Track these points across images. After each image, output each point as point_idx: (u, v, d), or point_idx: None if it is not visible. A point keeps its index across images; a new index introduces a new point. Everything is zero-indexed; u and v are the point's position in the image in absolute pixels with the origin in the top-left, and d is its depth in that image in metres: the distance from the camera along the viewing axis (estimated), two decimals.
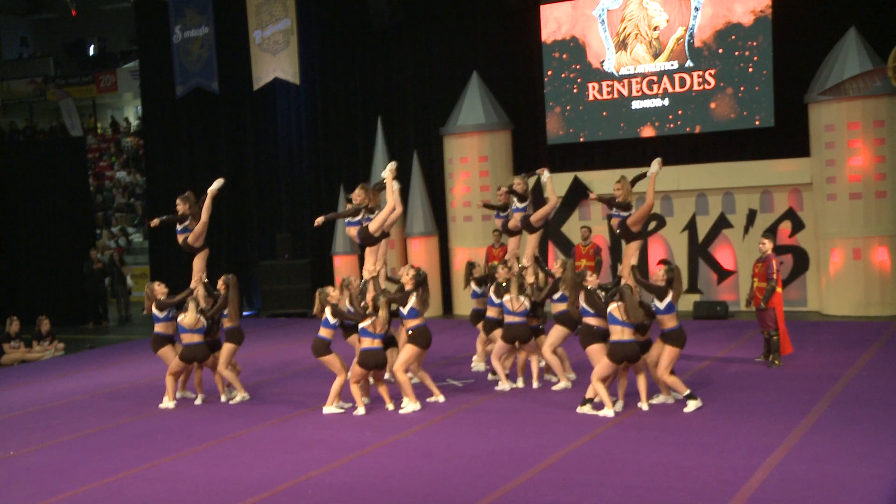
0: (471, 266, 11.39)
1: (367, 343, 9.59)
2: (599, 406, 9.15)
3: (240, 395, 10.81)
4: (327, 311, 9.80)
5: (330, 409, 9.82)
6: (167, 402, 10.66)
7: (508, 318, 10.32)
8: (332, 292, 9.94)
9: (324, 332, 9.79)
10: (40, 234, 20.08)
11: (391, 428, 9.10)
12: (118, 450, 8.95)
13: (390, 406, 9.78)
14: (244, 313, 19.16)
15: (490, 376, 11.03)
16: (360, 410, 9.67)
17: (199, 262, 10.92)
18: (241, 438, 9.11)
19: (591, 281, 9.35)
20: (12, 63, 32.79)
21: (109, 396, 11.58)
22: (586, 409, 9.17)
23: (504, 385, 10.48)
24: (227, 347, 10.67)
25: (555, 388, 10.47)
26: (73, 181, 20.31)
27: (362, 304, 9.98)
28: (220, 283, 10.77)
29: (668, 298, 9.05)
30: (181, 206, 10.93)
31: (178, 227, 10.95)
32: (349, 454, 8.28)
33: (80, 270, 19.17)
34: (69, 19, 31.04)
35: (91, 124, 31.80)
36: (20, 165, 20.26)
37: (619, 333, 8.89)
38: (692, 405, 9.06)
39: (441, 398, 10.01)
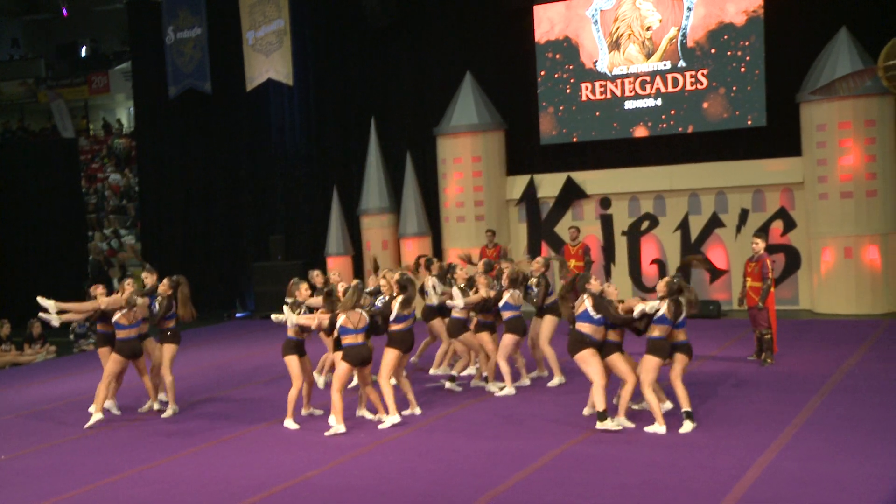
0: (429, 262, 11.37)
1: (350, 339, 9.01)
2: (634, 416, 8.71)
3: (171, 409, 10.29)
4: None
5: (289, 422, 9.32)
6: (97, 415, 9.88)
7: (511, 314, 10.29)
8: (304, 290, 9.52)
9: (290, 331, 9.39)
10: (32, 236, 20.03)
11: (389, 428, 9.11)
12: (116, 450, 8.95)
13: (383, 416, 9.30)
14: (237, 315, 19.17)
15: (447, 384, 10.65)
16: (340, 428, 8.98)
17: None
18: (240, 438, 9.11)
19: (595, 286, 8.72)
20: (3, 64, 32.66)
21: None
22: (608, 425, 8.50)
23: (510, 389, 10.25)
24: (169, 348, 10.24)
25: (550, 384, 10.53)
26: (65, 183, 20.27)
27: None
28: (165, 286, 10.19)
29: (663, 310, 8.49)
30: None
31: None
32: (347, 454, 8.30)
33: (75, 271, 19.13)
34: (61, 20, 30.96)
35: (83, 126, 31.70)
36: (12, 167, 20.21)
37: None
38: (654, 428, 8.45)
39: (418, 410, 9.56)
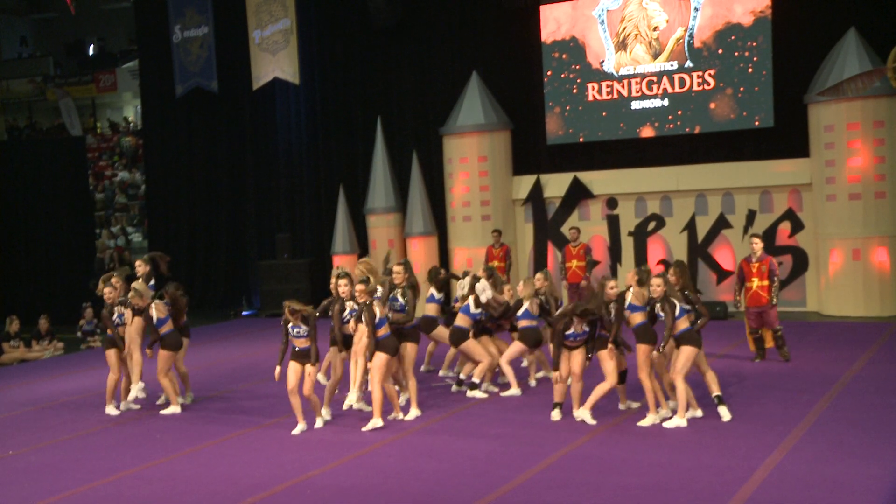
0: (436, 271, 11.37)
1: (384, 330, 9.08)
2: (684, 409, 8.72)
3: (189, 397, 10.65)
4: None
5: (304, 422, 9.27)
6: (174, 408, 10.25)
7: (528, 323, 10.13)
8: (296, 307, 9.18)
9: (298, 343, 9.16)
10: (40, 233, 20.09)
11: (391, 428, 9.09)
12: (118, 450, 8.96)
13: (399, 415, 9.33)
14: (243, 313, 19.20)
15: (454, 388, 10.57)
16: (378, 423, 8.96)
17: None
18: (240, 438, 9.11)
19: (612, 294, 8.84)
20: (12, 63, 32.83)
21: None
22: (647, 422, 8.65)
23: (515, 390, 10.22)
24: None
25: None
26: (72, 181, 20.32)
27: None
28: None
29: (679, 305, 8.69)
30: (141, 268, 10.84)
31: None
32: (349, 454, 8.29)
33: (82, 268, 19.17)
34: (69, 19, 31.04)
35: (91, 124, 31.81)
36: (20, 165, 20.26)
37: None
38: (675, 422, 8.59)
39: (401, 415, 9.44)
